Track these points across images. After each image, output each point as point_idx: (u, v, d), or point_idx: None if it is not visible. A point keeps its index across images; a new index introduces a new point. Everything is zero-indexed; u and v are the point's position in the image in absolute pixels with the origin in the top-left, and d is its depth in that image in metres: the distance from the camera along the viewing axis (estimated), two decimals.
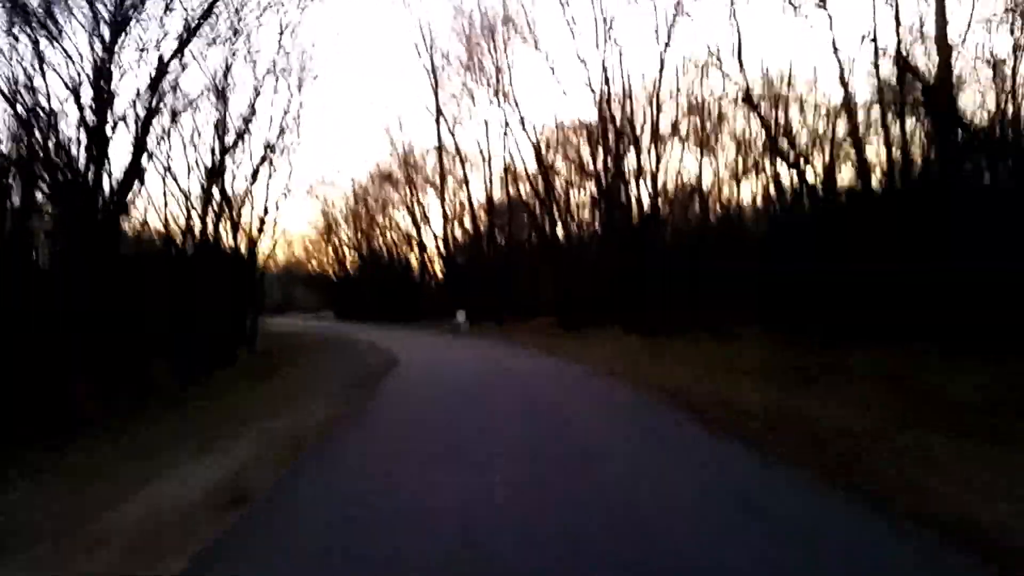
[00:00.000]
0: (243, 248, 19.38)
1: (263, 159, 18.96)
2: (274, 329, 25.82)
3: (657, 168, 18.52)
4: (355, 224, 43.99)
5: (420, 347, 17.49)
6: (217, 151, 16.09)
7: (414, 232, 39.19)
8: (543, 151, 24.83)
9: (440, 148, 33.17)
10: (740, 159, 19.52)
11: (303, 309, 65.30)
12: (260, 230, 20.82)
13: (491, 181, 30.37)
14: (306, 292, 65.79)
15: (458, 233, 35.73)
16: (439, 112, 31.44)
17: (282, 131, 17.97)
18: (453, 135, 31.29)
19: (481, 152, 29.44)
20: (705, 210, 20.05)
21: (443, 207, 34.58)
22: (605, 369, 11.01)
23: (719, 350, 12.22)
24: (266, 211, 19.68)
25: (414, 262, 41.02)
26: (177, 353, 12.47)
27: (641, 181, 18.77)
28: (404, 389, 9.90)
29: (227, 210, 18.32)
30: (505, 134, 29.47)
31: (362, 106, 73.68)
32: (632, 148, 19.15)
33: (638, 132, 19.13)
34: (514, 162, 28.37)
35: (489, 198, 30.66)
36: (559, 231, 25.05)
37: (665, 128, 19.28)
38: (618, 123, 19.59)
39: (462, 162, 31.69)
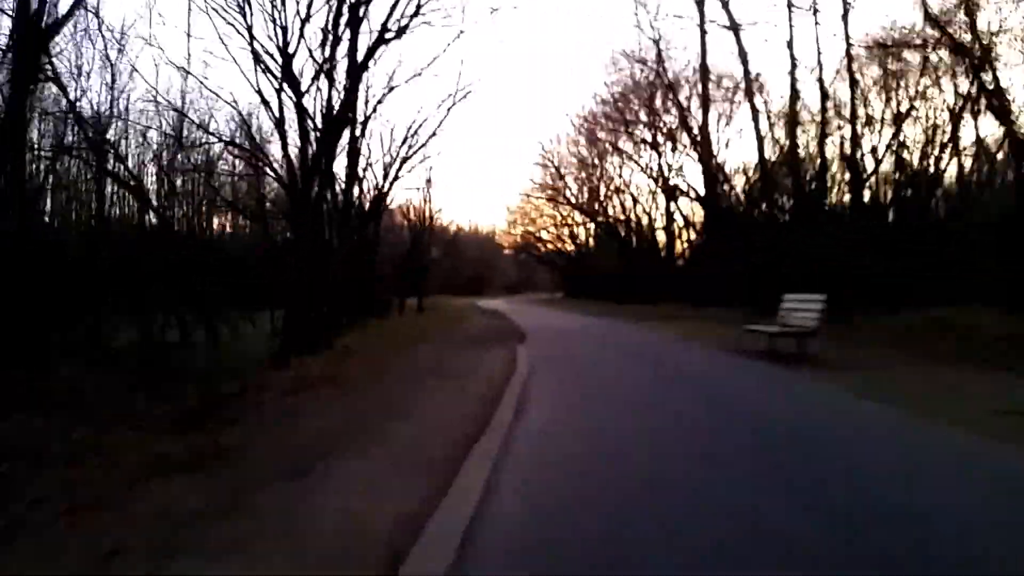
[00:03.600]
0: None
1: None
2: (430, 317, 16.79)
3: None
4: (584, 179, 33.60)
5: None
6: None
7: (656, 190, 27.19)
8: None
9: (704, 65, 20.39)
10: None
11: (540, 288, 59.96)
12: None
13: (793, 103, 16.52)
14: (543, 271, 60.41)
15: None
16: None
17: None
18: (737, 33, 18.03)
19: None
20: None
21: (702, 150, 21.67)
22: None
23: None
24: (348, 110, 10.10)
25: (660, 234, 28.91)
26: None
27: None
28: None
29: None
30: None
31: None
32: None
33: None
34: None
35: (793, 118, 16.82)
36: None
37: None
38: None
39: (748, 88, 18.48)
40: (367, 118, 14.31)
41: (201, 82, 17.59)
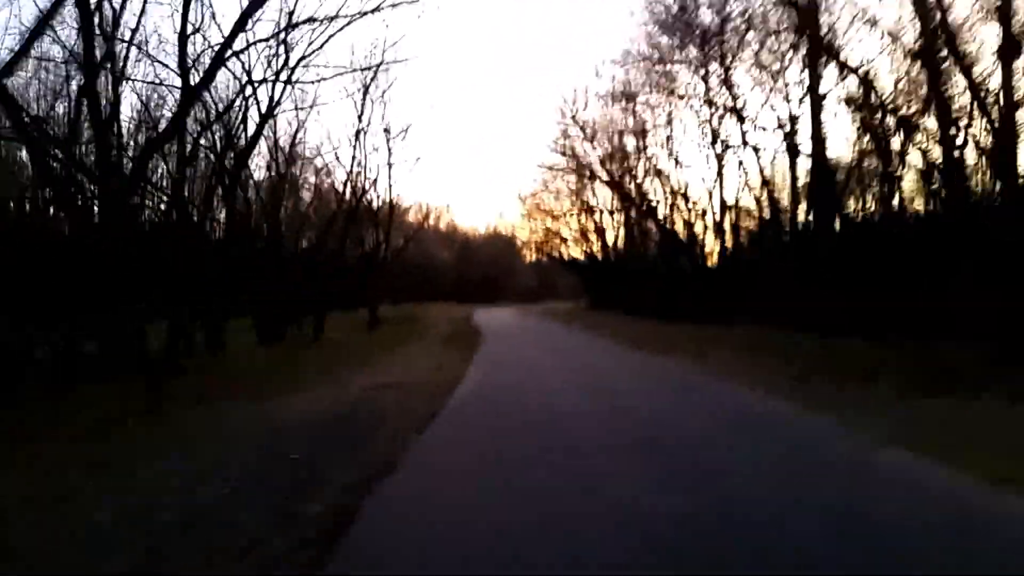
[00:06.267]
0: None
1: None
2: None
3: None
4: (613, 160, 24.33)
5: None
6: None
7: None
8: None
9: None
10: None
11: (562, 296, 53.23)
12: None
13: None
14: (566, 278, 53.50)
15: None
16: None
17: None
18: None
19: None
20: None
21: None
22: None
23: None
24: None
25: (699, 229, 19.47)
26: None
27: None
28: None
29: None
30: None
31: None
32: None
33: None
34: None
35: None
36: None
37: None
38: None
39: None
40: None
41: None
